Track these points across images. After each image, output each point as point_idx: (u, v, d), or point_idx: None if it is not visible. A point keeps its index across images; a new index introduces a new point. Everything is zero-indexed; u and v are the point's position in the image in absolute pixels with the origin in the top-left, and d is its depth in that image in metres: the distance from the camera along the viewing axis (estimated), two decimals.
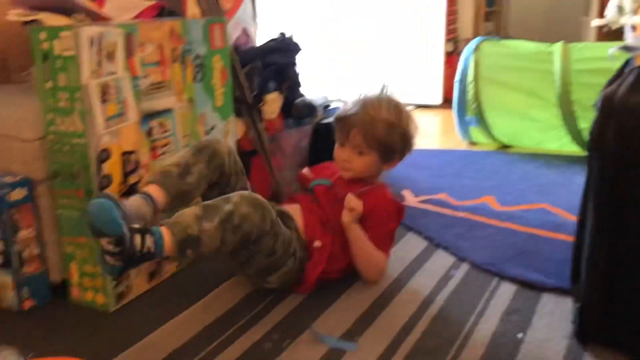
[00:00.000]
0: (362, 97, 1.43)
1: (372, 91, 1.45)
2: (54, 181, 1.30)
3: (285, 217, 1.38)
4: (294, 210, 1.43)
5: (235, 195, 1.21)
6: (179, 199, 1.27)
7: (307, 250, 1.36)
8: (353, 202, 1.36)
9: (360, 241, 1.37)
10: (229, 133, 1.63)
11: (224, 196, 1.22)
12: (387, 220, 1.41)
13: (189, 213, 1.16)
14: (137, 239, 1.09)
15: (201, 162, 1.31)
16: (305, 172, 1.55)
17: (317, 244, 1.37)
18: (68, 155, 1.26)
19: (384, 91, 1.45)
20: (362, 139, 1.38)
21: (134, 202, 1.19)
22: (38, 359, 0.91)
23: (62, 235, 1.33)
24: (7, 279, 1.30)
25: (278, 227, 1.27)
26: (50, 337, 1.23)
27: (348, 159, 1.41)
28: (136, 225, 1.12)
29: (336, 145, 1.44)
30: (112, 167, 1.28)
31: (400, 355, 1.14)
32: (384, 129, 1.38)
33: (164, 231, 1.13)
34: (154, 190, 1.24)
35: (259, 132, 1.78)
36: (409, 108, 1.46)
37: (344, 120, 1.41)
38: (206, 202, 1.20)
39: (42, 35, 1.21)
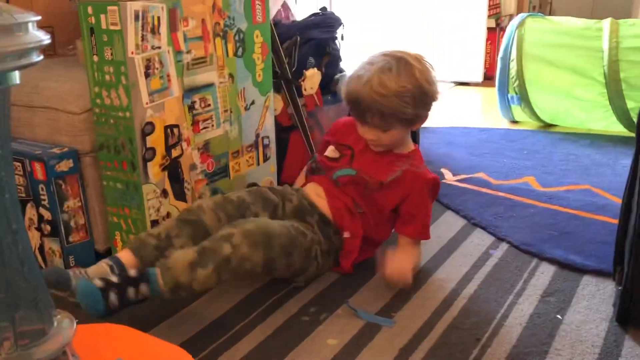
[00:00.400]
0: (364, 68, 1.30)
1: (374, 55, 1.32)
2: (99, 153, 1.34)
3: (304, 213, 1.34)
4: (319, 194, 1.38)
5: (236, 234, 1.15)
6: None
7: (338, 235, 1.35)
8: (402, 283, 1.27)
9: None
10: (267, 108, 1.64)
11: (225, 233, 1.16)
12: (424, 203, 1.36)
13: (182, 260, 1.12)
14: (131, 291, 1.08)
15: (184, 235, 1.22)
16: (328, 153, 1.43)
17: (346, 234, 1.33)
18: (113, 128, 1.29)
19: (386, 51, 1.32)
20: (379, 120, 1.29)
21: (98, 271, 1.12)
22: (83, 324, 0.94)
23: (107, 206, 1.37)
24: (54, 247, 1.35)
25: (291, 246, 1.21)
26: None
27: (374, 137, 1.33)
28: (132, 274, 1.10)
29: (357, 124, 1.36)
30: (156, 140, 1.30)
31: (437, 332, 1.15)
32: (398, 102, 1.26)
33: (159, 274, 1.11)
34: (127, 258, 1.18)
35: (298, 108, 1.79)
36: (417, 57, 1.32)
37: (355, 102, 1.31)
38: (203, 245, 1.15)
39: (89, 9, 1.23)
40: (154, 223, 1.33)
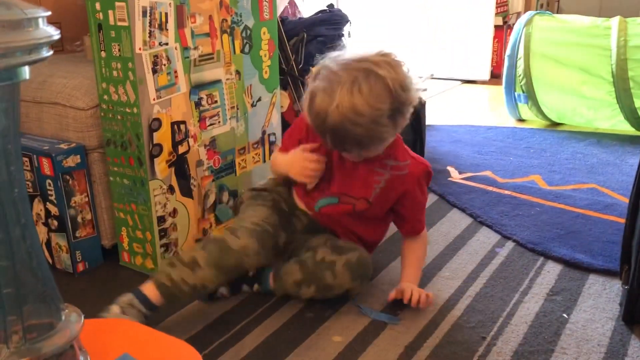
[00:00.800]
0: (328, 86, 1.08)
1: (334, 68, 1.10)
2: (106, 149, 1.34)
3: (319, 230, 1.29)
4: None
5: (339, 264, 1.17)
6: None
7: None
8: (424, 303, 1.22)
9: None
10: (274, 105, 1.64)
11: (328, 260, 1.18)
12: (415, 201, 1.27)
13: (290, 278, 1.21)
14: (244, 287, 1.26)
15: (221, 283, 1.20)
16: (305, 188, 1.28)
17: None
18: (120, 124, 1.29)
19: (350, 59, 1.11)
20: (358, 149, 1.14)
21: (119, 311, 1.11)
22: (90, 319, 0.95)
23: (114, 202, 1.37)
24: (61, 242, 1.36)
25: None
26: (101, 299, 1.27)
27: (355, 157, 1.20)
28: (250, 273, 1.24)
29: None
30: (163, 136, 1.31)
31: (442, 330, 1.15)
32: (375, 128, 1.08)
33: (271, 280, 1.24)
34: (157, 298, 1.13)
35: None
36: (393, 58, 1.12)
37: (326, 131, 1.10)
38: (306, 265, 1.19)
39: (97, 5, 1.23)
40: (160, 219, 1.34)
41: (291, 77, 1.76)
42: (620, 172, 1.96)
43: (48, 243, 1.39)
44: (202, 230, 1.46)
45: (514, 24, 2.63)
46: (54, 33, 0.55)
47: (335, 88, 1.06)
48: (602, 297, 1.25)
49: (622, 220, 1.26)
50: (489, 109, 2.96)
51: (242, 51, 1.49)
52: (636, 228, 1.14)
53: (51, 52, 0.57)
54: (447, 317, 1.19)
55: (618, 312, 1.19)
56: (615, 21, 2.32)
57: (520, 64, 2.47)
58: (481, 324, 1.17)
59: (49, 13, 0.55)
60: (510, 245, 1.49)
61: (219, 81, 1.43)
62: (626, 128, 2.36)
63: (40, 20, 0.54)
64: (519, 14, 3.40)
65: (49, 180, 1.31)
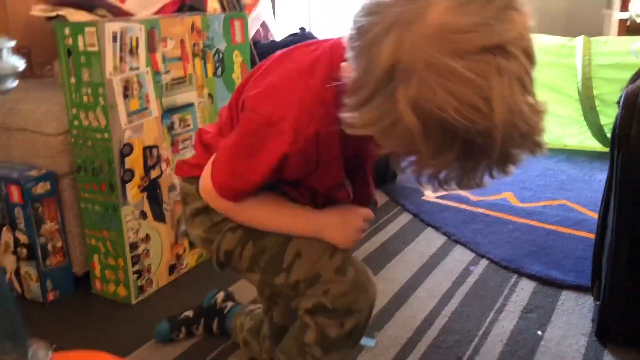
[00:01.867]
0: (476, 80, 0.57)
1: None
2: (77, 175, 1.32)
3: None
4: None
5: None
6: None
7: None
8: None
9: None
10: None
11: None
12: None
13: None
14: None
15: None
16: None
17: None
18: (91, 149, 1.28)
19: None
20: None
21: None
22: (61, 352, 0.92)
23: (85, 228, 1.35)
24: (31, 271, 1.33)
25: None
26: (73, 329, 1.25)
27: None
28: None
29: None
30: (134, 161, 1.29)
31: (419, 351, 1.14)
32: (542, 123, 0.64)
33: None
34: None
35: None
36: None
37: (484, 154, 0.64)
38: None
39: (67, 30, 1.22)
40: (133, 246, 1.32)
41: None
42: (589, 188, 2.00)
43: (17, 272, 1.35)
44: (175, 255, 1.44)
45: None
46: (19, 64, 0.54)
47: (485, 86, 0.57)
48: (575, 313, 1.26)
49: (592, 236, 1.28)
50: None
51: (214, 74, 1.49)
52: (605, 244, 1.16)
53: (16, 82, 0.56)
54: (424, 338, 1.19)
55: (591, 328, 1.21)
56: (579, 40, 2.38)
57: None
58: (457, 343, 1.17)
59: (14, 43, 0.55)
60: (484, 263, 1.50)
61: (191, 104, 1.43)
62: (594, 144, 2.41)
63: (4, 51, 0.54)
64: None
65: (17, 208, 1.28)
